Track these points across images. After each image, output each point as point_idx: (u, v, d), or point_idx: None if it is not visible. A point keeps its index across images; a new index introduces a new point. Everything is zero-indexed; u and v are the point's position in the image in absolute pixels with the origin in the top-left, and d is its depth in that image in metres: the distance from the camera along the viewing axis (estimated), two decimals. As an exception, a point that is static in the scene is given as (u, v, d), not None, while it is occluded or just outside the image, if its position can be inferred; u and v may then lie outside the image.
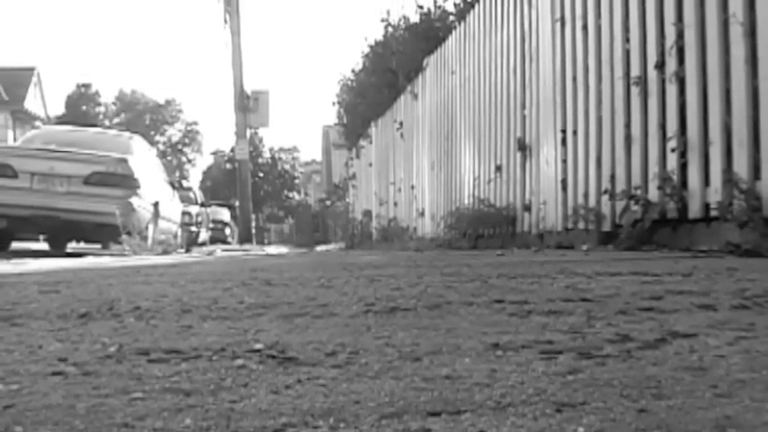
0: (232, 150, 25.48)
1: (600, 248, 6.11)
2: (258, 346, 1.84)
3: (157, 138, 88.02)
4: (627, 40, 6.21)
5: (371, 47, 19.49)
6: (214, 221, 30.73)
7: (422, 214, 13.48)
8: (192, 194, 24.41)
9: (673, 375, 1.47)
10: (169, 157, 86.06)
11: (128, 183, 11.64)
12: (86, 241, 13.92)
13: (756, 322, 2.00)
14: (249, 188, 23.85)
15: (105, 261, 7.22)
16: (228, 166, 64.07)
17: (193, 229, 21.88)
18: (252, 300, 2.78)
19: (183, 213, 17.14)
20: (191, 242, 18.88)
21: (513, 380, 1.47)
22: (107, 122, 78.81)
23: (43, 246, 14.90)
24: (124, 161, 11.75)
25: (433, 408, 1.28)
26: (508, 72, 9.07)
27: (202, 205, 25.64)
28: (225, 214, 34.34)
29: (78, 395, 1.40)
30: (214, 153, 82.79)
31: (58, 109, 75.64)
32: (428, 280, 3.51)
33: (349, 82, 22.32)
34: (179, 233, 15.86)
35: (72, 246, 14.76)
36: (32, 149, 11.89)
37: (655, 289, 2.75)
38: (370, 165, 19.39)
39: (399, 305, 2.52)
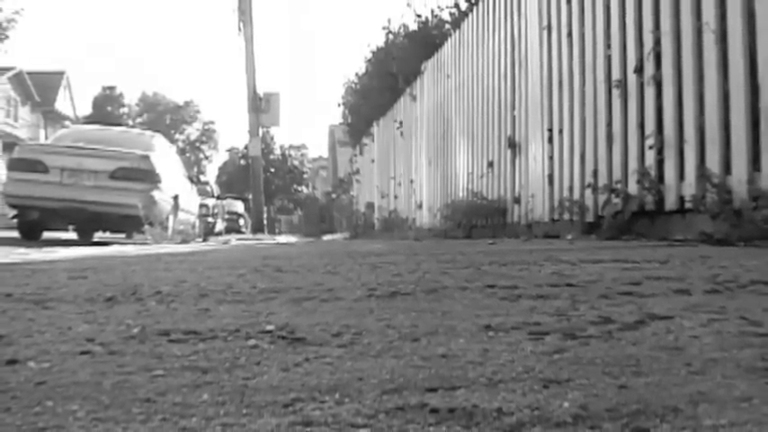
0: (246, 148, 25.49)
1: (583, 238, 6.10)
2: (270, 327, 1.84)
3: (177, 136, 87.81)
4: (608, 46, 6.19)
5: (374, 53, 19.44)
6: (229, 213, 30.72)
7: (420, 206, 13.47)
8: (208, 188, 24.41)
9: (650, 354, 1.47)
10: (188, 154, 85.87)
11: (150, 177, 11.64)
12: (112, 231, 13.93)
13: (727, 305, 2.00)
14: (261, 182, 23.81)
15: (129, 249, 7.22)
16: (242, 162, 63.99)
17: (210, 219, 21.88)
18: (264, 285, 2.77)
19: (201, 206, 17.13)
20: (207, 232, 18.88)
21: (504, 358, 1.47)
22: (130, 122, 78.66)
23: (72, 235, 14.90)
24: (146, 158, 11.74)
25: (430, 384, 1.28)
26: (499, 76, 9.04)
27: (218, 198, 25.64)
28: (239, 206, 34.31)
29: (104, 372, 1.40)
30: (229, 150, 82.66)
31: (85, 109, 75.49)
32: (426, 267, 3.51)
33: (353, 85, 22.27)
34: (197, 224, 15.87)
35: (98, 235, 14.76)
36: (62, 147, 11.88)
37: (634, 275, 2.75)
38: (373, 161, 19.37)
39: (399, 290, 2.52)
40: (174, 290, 2.66)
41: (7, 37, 19.59)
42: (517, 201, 8.32)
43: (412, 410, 1.13)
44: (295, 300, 2.35)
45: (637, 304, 2.08)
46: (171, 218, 12.57)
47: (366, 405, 1.16)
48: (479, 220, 9.43)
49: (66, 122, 47.08)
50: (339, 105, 24.17)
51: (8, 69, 45.48)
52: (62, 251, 6.41)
